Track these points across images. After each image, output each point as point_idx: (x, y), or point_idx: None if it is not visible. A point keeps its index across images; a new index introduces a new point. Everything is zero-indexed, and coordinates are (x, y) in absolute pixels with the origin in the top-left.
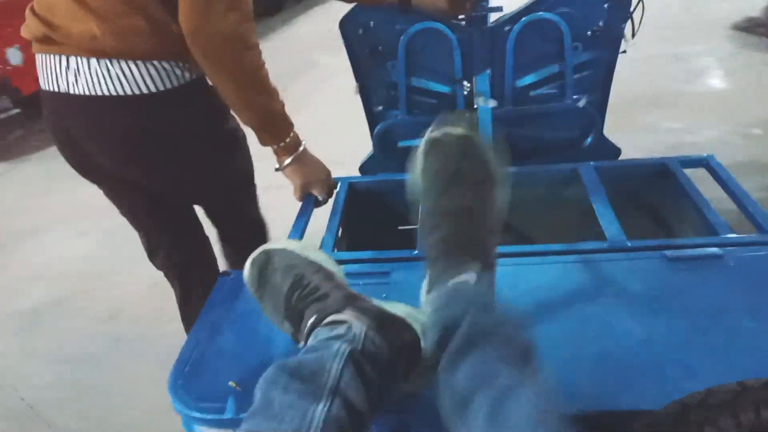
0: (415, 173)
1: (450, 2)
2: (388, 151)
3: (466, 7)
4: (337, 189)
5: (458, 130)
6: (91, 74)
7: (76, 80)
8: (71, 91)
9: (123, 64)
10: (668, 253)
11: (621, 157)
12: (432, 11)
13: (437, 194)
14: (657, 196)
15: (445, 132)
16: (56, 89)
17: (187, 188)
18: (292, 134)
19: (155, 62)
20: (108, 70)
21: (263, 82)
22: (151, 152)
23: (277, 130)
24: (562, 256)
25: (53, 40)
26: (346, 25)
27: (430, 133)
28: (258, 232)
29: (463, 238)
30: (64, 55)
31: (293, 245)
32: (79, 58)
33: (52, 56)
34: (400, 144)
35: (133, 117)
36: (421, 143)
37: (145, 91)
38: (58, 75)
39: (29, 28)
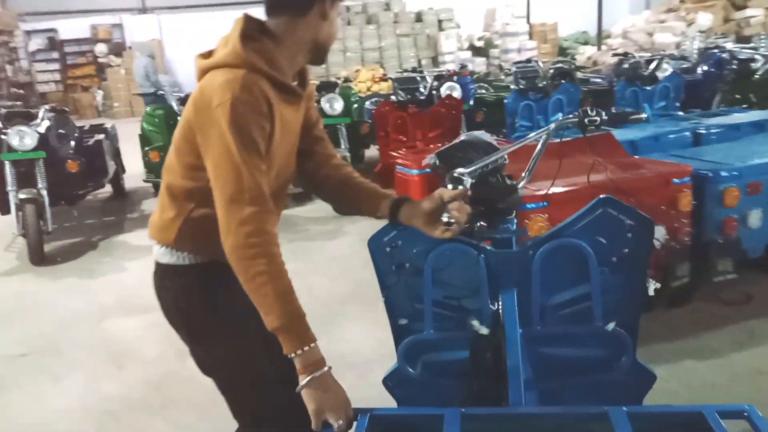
0: None
1: (427, 227)
2: (413, 365)
3: (442, 234)
4: (357, 421)
5: None
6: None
7: None
8: None
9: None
10: None
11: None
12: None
13: None
14: None
15: None
16: None
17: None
18: (308, 348)
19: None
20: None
21: (276, 287)
22: (164, 307)
23: (293, 336)
24: None
25: None
26: (374, 242)
27: None
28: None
29: None
30: None
31: None
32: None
33: None
34: (425, 358)
35: (157, 278)
36: None
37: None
38: None
39: None
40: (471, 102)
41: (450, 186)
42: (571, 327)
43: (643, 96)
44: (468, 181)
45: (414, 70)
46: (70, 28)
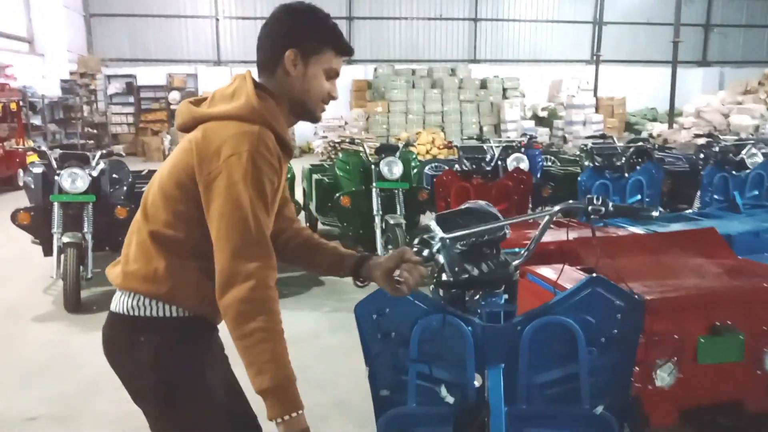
0: None
1: (385, 283)
2: None
3: (392, 292)
4: None
5: None
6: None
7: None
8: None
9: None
10: None
11: None
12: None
13: None
14: None
15: None
16: None
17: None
18: (296, 414)
19: (148, 298)
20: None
21: (274, 347)
22: (132, 366)
23: (282, 400)
24: None
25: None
26: (360, 309)
27: None
28: None
29: None
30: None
31: None
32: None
33: None
34: None
35: (124, 333)
36: None
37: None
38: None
39: None
40: (538, 175)
41: (416, 247)
42: (557, 407)
43: (733, 183)
44: (436, 246)
45: (479, 138)
46: (147, 75)
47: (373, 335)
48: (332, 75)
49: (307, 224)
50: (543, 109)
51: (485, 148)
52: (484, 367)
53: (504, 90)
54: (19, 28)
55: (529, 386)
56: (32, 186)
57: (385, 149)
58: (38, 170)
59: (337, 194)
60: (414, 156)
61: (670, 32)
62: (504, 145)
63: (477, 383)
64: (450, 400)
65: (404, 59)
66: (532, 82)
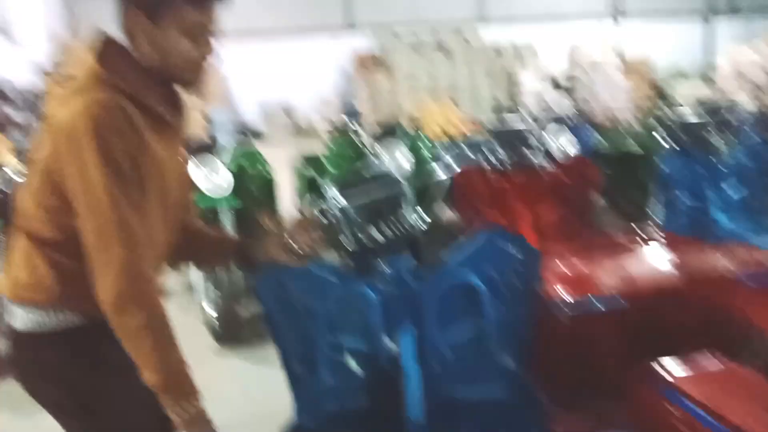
0: None
1: (286, 257)
2: (311, 417)
3: (293, 261)
4: None
5: None
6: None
7: None
8: None
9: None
10: None
11: None
12: (271, 258)
13: None
14: None
15: None
16: None
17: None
18: (194, 404)
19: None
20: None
21: (155, 339)
22: (40, 385)
23: (171, 393)
24: None
25: None
26: (261, 285)
27: None
28: None
29: None
30: None
31: None
32: None
33: None
34: (324, 408)
35: (25, 351)
36: None
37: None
38: None
39: None
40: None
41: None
42: (470, 365)
43: None
44: (332, 213)
45: (511, 110)
46: None
47: (278, 312)
48: (195, 31)
49: None
50: (568, 79)
51: (525, 134)
52: (395, 333)
53: (519, 56)
54: None
55: (441, 347)
56: None
57: (383, 133)
58: None
59: None
60: (427, 142)
61: None
62: (552, 120)
63: (391, 350)
64: (358, 370)
65: (405, 20)
66: (549, 46)
